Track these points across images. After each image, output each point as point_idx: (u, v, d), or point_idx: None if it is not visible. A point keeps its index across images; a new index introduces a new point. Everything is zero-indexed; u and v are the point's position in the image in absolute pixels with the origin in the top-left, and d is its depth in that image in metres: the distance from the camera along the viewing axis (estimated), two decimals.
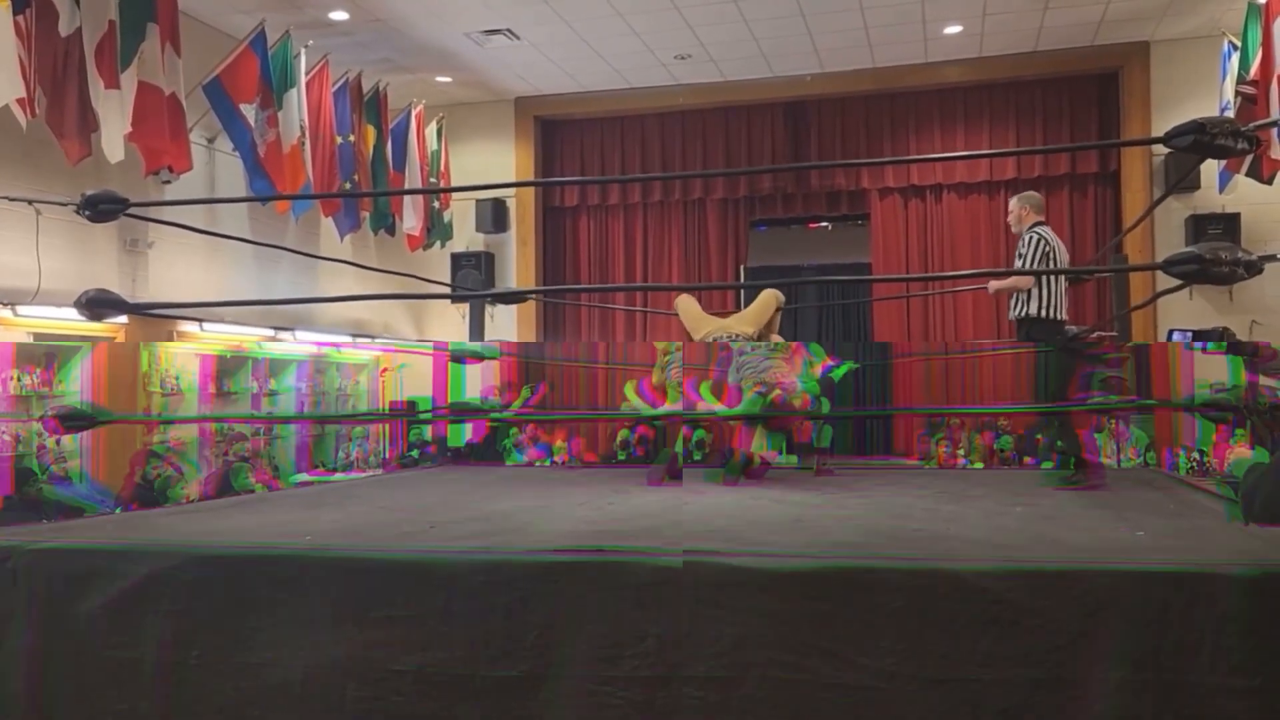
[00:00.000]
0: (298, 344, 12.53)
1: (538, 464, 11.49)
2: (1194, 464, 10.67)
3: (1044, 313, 6.88)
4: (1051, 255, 6.95)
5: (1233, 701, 3.00)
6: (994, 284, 7.68)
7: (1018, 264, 7.19)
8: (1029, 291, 7.02)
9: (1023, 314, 6.98)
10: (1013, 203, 7.45)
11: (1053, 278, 6.85)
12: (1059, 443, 7.69)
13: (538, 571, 3.43)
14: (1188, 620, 3.05)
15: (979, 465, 10.94)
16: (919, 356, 13.63)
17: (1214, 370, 10.90)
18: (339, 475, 11.48)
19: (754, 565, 3.36)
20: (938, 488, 5.75)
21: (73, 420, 4.83)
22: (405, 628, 3.46)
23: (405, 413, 12.89)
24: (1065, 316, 6.97)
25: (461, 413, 7.02)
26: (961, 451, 11.26)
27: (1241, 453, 3.34)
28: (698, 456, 11.05)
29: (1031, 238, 6.98)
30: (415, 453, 12.06)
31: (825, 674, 3.21)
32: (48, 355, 9.73)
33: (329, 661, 3.49)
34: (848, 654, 3.20)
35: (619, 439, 11.37)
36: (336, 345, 13.30)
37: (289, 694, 3.51)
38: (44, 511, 7.57)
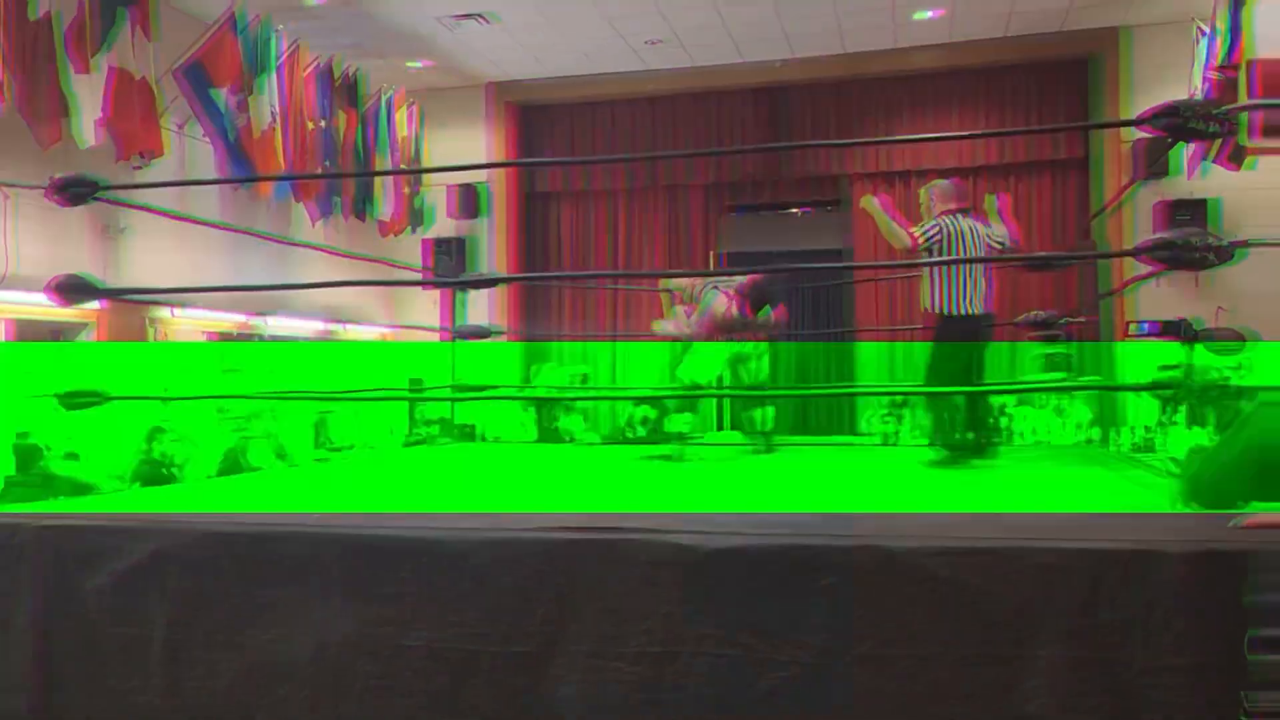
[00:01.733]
0: (301, 321, 12.62)
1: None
2: (1135, 441, 10.80)
3: (941, 308, 6.51)
4: (941, 245, 6.50)
5: (1168, 679, 3.02)
6: None
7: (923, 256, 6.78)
8: (929, 282, 6.64)
9: (924, 307, 6.74)
10: (921, 194, 7.20)
11: (952, 272, 6.45)
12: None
13: (548, 549, 3.44)
14: (1124, 598, 3.07)
15: (924, 443, 11.00)
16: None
17: (1169, 353, 11.02)
18: (347, 453, 11.50)
19: (688, 542, 3.38)
20: (875, 465, 5.77)
21: (79, 397, 4.80)
22: (415, 604, 3.47)
23: (414, 391, 12.89)
24: (974, 311, 6.46)
25: (469, 391, 7.04)
26: (905, 427, 11.33)
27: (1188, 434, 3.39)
28: (642, 433, 11.06)
29: (930, 224, 6.67)
30: (428, 429, 12.08)
31: (758, 651, 3.23)
32: (53, 333, 9.71)
33: (339, 638, 3.50)
34: (780, 631, 3.23)
35: (635, 416, 11.37)
36: (344, 325, 13.36)
37: (299, 670, 3.52)
38: (53, 488, 7.55)
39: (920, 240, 6.59)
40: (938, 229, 6.56)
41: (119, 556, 3.75)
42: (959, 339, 6.55)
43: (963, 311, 6.45)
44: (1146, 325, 4.03)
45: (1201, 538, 3.26)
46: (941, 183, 7.11)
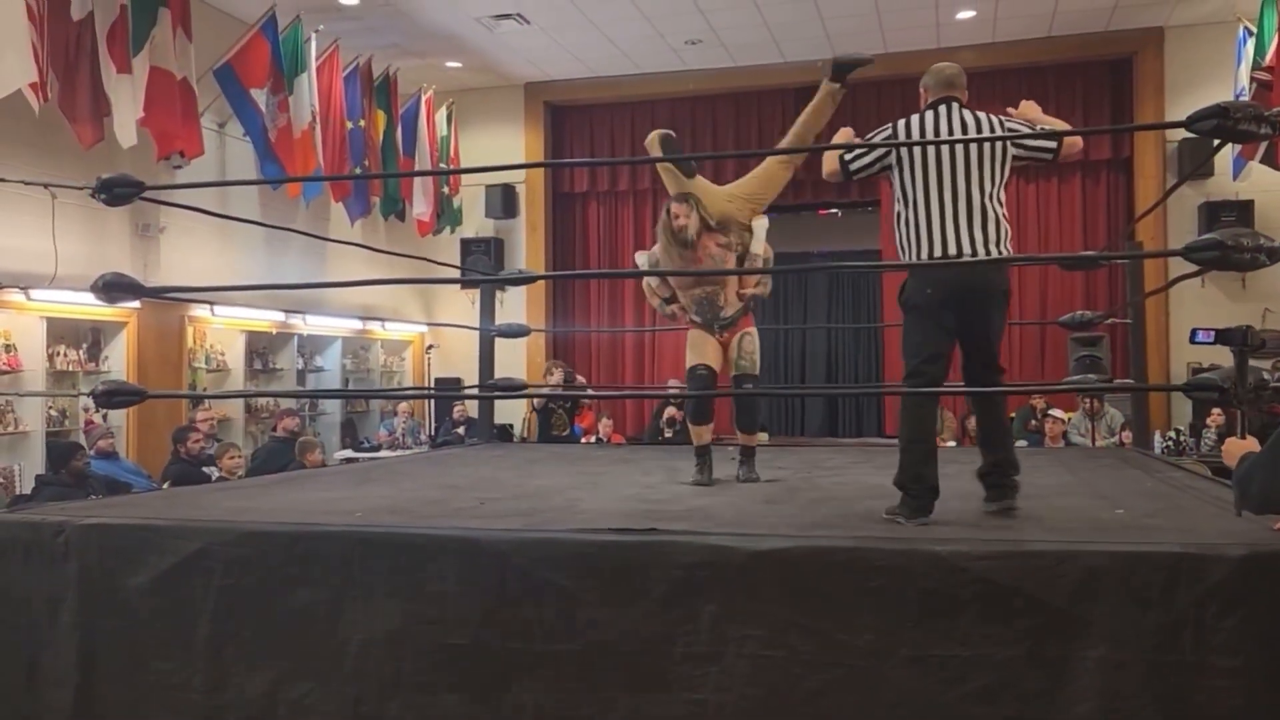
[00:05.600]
0: (337, 320, 12.75)
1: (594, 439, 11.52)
2: (1170, 443, 10.69)
3: (906, 252, 4.40)
4: (895, 161, 4.49)
5: (1215, 680, 3.01)
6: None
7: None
8: (896, 219, 4.49)
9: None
10: None
11: (916, 199, 4.39)
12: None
13: (590, 550, 3.45)
14: (1170, 599, 3.06)
15: (951, 444, 10.87)
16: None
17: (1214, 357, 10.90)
18: (385, 452, 11.55)
19: (730, 544, 3.37)
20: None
21: (117, 396, 4.81)
22: (457, 603, 3.49)
23: (450, 390, 12.92)
24: (959, 249, 4.22)
25: (505, 389, 6.98)
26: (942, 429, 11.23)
27: (1239, 443, 3.30)
28: (669, 434, 11.00)
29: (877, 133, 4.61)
30: (460, 429, 12.12)
31: (804, 651, 3.23)
32: (92, 331, 9.79)
33: (383, 636, 3.52)
34: (827, 631, 3.23)
35: (665, 416, 11.33)
36: (382, 322, 13.53)
37: (343, 668, 3.54)
38: (91, 486, 7.60)
39: (847, 162, 4.62)
40: (886, 138, 4.58)
41: (162, 555, 3.78)
42: (930, 299, 4.28)
43: (937, 252, 4.28)
44: (1201, 333, 3.84)
45: (1249, 540, 3.24)
46: (935, 68, 4.85)
